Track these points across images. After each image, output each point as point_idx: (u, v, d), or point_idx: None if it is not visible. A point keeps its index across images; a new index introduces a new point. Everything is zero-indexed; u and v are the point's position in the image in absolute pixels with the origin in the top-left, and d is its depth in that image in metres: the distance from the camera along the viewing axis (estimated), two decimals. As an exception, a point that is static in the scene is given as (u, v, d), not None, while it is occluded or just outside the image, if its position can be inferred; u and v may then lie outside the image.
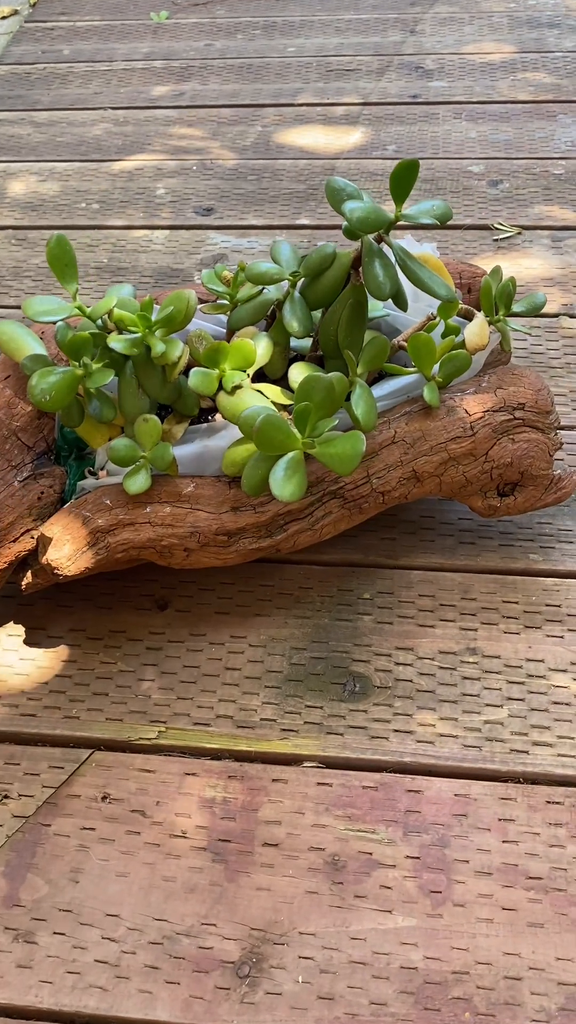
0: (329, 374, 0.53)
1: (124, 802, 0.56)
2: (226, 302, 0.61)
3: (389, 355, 0.60)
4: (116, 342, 0.55)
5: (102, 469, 0.61)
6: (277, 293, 0.60)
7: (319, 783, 0.57)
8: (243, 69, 1.35)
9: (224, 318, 0.63)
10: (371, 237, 0.55)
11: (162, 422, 0.60)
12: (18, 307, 0.95)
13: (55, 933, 0.51)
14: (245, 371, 0.57)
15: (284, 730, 0.59)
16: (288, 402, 0.59)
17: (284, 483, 0.52)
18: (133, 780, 0.57)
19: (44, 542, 0.58)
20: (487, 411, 0.62)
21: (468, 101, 1.23)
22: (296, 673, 0.62)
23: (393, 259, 0.55)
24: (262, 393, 0.58)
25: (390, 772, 0.57)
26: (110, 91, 1.32)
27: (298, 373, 0.57)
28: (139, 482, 0.57)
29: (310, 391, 0.52)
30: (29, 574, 0.61)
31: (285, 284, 0.59)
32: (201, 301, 0.67)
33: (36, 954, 0.51)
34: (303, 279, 0.58)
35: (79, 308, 0.56)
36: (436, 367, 0.62)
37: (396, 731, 0.59)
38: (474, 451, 0.62)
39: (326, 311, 0.60)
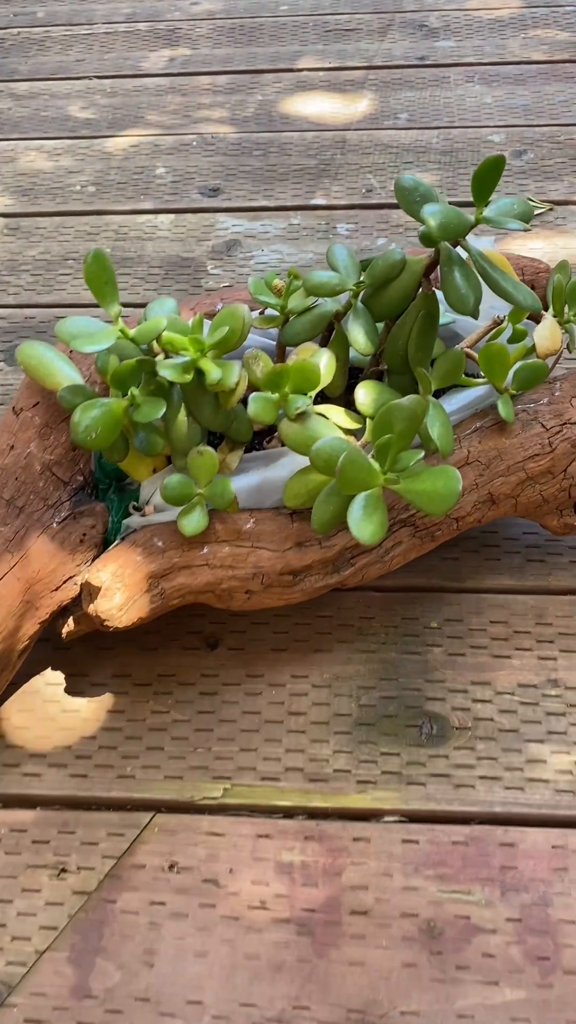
0: (408, 399, 0.48)
1: (194, 871, 0.52)
2: (277, 314, 0.55)
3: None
4: (167, 369, 0.49)
5: (148, 504, 0.55)
6: (335, 304, 0.54)
7: (404, 840, 0.52)
8: (234, 31, 1.27)
9: (274, 331, 0.57)
10: (448, 243, 0.49)
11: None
12: (17, 306, 0.88)
13: (134, 1027, 0.47)
14: (308, 394, 0.51)
15: (360, 782, 0.55)
16: (355, 425, 0.53)
17: (364, 523, 0.46)
18: (201, 845, 0.53)
19: (91, 591, 0.52)
20: (565, 424, 0.57)
21: (479, 63, 1.16)
22: (367, 716, 0.57)
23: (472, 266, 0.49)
24: (326, 417, 0.52)
25: (480, 824, 0.53)
26: (93, 58, 1.23)
27: (367, 395, 0.52)
28: (195, 521, 0.51)
29: (391, 420, 0.46)
30: (71, 621, 0.56)
31: (345, 295, 0.53)
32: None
33: (115, 1052, 0.46)
34: (367, 288, 0.52)
35: (123, 332, 0.50)
36: (509, 378, 0.56)
37: (482, 777, 0.54)
38: (552, 468, 0.57)
39: (390, 323, 0.54)
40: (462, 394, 0.57)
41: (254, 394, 0.51)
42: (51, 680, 0.60)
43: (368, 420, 0.52)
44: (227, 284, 0.88)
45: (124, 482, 0.58)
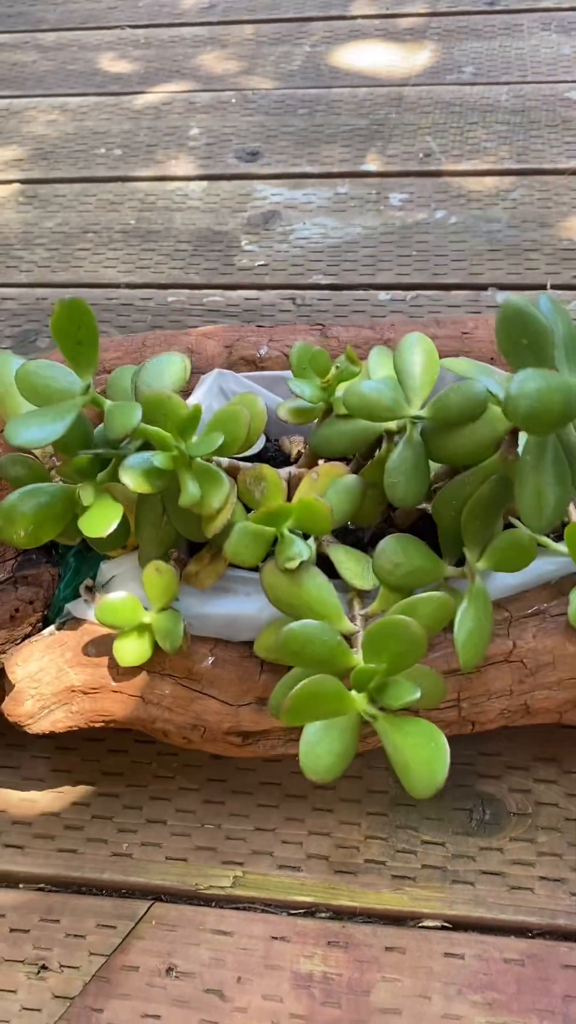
0: (416, 610, 0.36)
1: (195, 977, 0.44)
2: (310, 407, 0.44)
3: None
4: (130, 476, 0.39)
5: (104, 588, 0.46)
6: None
7: (447, 953, 0.44)
8: (282, -27, 1.15)
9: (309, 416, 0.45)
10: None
11: (190, 556, 0.44)
12: (30, 285, 0.79)
13: None
14: (311, 538, 0.41)
15: (396, 877, 0.46)
16: (367, 585, 0.42)
17: (317, 753, 0.34)
18: (205, 946, 0.45)
19: (3, 684, 0.44)
20: None
21: (557, 8, 1.02)
22: (406, 794, 0.48)
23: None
24: (331, 567, 0.42)
25: (540, 937, 0.44)
26: (127, 5, 1.12)
27: (389, 556, 0.39)
28: (132, 651, 0.42)
29: (386, 641, 0.34)
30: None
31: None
32: (253, 366, 0.50)
33: None
34: (428, 423, 0.40)
35: (95, 401, 0.40)
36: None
37: (543, 879, 0.45)
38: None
39: (450, 472, 0.42)
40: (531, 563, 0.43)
41: (240, 524, 0.40)
42: (42, 731, 0.52)
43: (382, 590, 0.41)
44: (262, 263, 0.78)
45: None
